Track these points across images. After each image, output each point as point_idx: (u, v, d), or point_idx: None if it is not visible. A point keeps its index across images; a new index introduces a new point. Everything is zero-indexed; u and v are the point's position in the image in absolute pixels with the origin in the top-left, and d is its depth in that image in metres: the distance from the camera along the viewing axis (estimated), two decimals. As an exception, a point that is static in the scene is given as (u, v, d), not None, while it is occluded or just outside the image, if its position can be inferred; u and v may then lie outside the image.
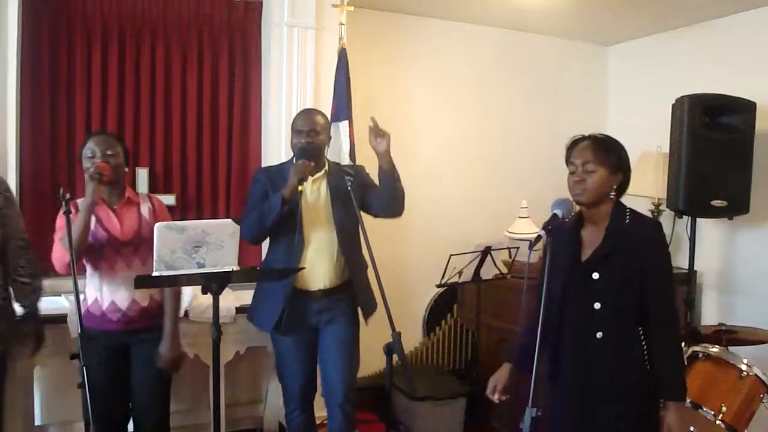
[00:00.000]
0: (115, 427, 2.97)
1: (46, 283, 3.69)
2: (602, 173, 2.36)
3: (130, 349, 2.97)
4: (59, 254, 2.78)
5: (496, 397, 2.57)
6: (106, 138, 2.97)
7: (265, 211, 3.09)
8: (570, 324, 2.43)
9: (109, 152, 2.89)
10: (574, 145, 2.45)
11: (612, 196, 2.41)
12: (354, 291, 3.23)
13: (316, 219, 3.18)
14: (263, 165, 4.21)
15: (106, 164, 2.82)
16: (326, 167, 3.27)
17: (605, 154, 2.38)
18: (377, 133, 3.09)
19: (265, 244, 3.39)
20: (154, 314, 2.99)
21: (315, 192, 3.22)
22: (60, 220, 2.81)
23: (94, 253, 2.89)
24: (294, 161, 3.16)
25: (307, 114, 3.29)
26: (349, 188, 3.07)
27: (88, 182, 2.75)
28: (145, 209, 3.01)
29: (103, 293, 2.92)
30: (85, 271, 2.97)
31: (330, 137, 3.36)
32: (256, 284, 3.37)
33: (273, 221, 3.06)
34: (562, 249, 2.42)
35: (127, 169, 3.03)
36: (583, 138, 2.44)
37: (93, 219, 2.85)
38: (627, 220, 2.39)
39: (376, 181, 3.26)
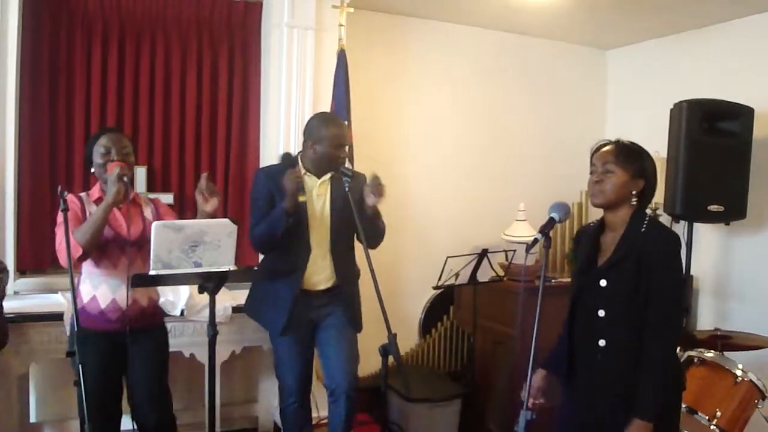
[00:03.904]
0: (110, 425, 2.92)
1: (44, 280, 3.74)
2: (621, 176, 2.34)
3: (126, 349, 2.90)
4: (75, 250, 2.74)
5: (530, 402, 2.43)
6: (120, 136, 2.95)
7: (271, 225, 3.10)
8: (577, 330, 2.44)
9: (125, 150, 2.88)
10: (599, 149, 2.44)
11: (633, 203, 2.37)
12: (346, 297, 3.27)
13: (321, 223, 3.19)
14: (261, 165, 4.21)
15: (122, 163, 2.80)
16: (332, 172, 3.26)
17: (626, 158, 2.36)
18: (378, 190, 3.06)
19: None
20: (151, 314, 2.99)
21: (321, 196, 3.23)
22: (69, 215, 2.78)
23: (98, 250, 2.83)
24: (300, 161, 3.19)
25: (341, 125, 3.22)
26: (346, 189, 3.07)
27: (112, 181, 2.71)
28: (148, 211, 3.00)
29: (103, 291, 2.86)
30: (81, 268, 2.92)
31: None
32: (258, 285, 3.38)
33: (282, 233, 3.07)
34: (583, 253, 2.43)
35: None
36: (609, 143, 2.44)
37: None
38: (643, 229, 2.34)
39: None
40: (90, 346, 2.65)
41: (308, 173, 3.21)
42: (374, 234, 3.21)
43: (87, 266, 2.88)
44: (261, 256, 3.55)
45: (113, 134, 2.94)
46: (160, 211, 3.03)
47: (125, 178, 2.74)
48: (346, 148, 3.21)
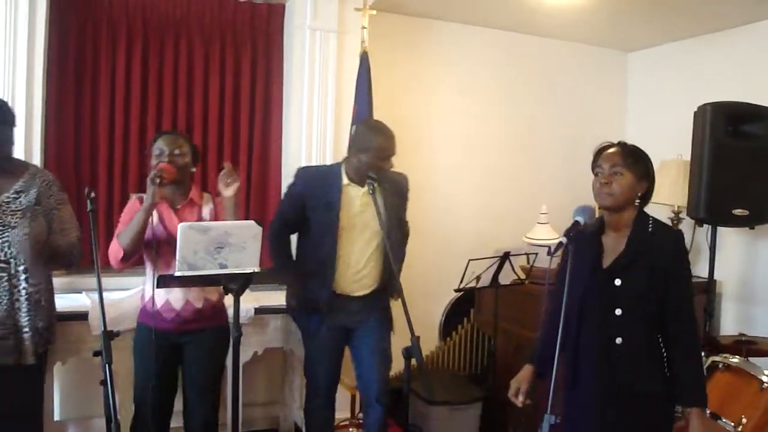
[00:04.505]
0: (159, 421, 2.99)
1: (68, 279, 3.77)
2: (628, 177, 2.37)
3: (183, 349, 2.99)
4: (114, 250, 2.84)
5: (519, 400, 2.56)
6: (174, 137, 3.00)
7: (276, 266, 3.28)
8: (589, 330, 2.42)
9: (176, 152, 2.93)
10: (602, 150, 2.45)
11: (636, 204, 2.42)
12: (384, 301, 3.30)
13: (362, 232, 3.20)
14: (283, 167, 4.25)
15: (169, 165, 2.86)
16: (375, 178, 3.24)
17: (633, 160, 2.39)
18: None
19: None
20: (208, 316, 2.99)
21: (364, 206, 3.19)
22: (124, 215, 2.94)
23: (153, 250, 2.92)
24: (343, 167, 3.20)
25: (391, 137, 3.17)
26: (369, 192, 3.06)
27: (148, 184, 2.77)
28: (206, 211, 3.02)
29: (159, 292, 2.91)
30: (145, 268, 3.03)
31: None
32: (295, 286, 3.40)
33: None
34: (582, 255, 2.42)
35: (194, 169, 3.05)
36: (612, 144, 2.46)
37: (156, 217, 2.89)
38: (650, 228, 2.40)
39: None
40: (147, 345, 2.83)
41: (351, 183, 3.18)
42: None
43: (148, 266, 2.98)
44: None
45: (168, 136, 3.01)
46: (217, 210, 3.03)
47: (158, 180, 2.76)
48: (392, 159, 3.16)
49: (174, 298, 2.94)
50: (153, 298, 2.88)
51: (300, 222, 3.23)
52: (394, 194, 3.23)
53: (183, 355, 3.01)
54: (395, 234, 3.21)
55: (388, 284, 3.27)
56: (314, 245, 3.19)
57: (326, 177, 3.21)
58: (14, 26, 3.53)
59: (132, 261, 2.89)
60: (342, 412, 3.93)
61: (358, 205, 3.18)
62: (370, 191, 3.05)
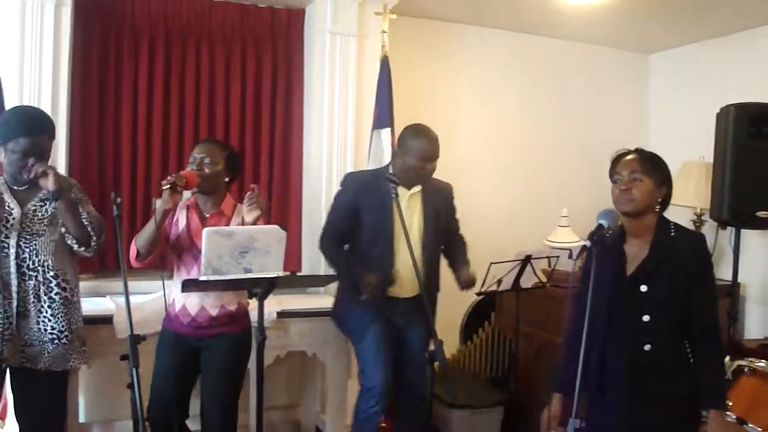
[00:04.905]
0: (171, 422, 3.01)
1: (92, 284, 3.81)
2: (648, 183, 2.37)
3: (200, 354, 3.01)
4: (131, 249, 2.90)
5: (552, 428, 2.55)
6: (207, 146, 3.03)
7: (333, 266, 3.34)
8: (616, 337, 2.41)
9: (206, 160, 2.95)
10: (619, 158, 2.46)
11: (656, 210, 2.42)
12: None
13: (409, 234, 3.18)
14: (304, 172, 4.26)
15: (190, 173, 2.88)
16: (421, 184, 3.32)
17: (652, 167, 2.40)
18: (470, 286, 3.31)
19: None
20: (223, 323, 3.00)
21: (411, 208, 3.28)
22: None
23: (176, 255, 3.00)
24: (390, 170, 3.28)
25: (433, 140, 3.26)
26: (393, 196, 3.06)
27: (162, 187, 2.80)
28: (234, 223, 3.00)
29: (178, 297, 2.98)
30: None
31: None
32: (343, 293, 3.45)
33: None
34: (605, 263, 2.41)
35: (228, 179, 3.06)
36: (629, 151, 2.46)
37: (184, 223, 2.95)
38: (672, 233, 2.40)
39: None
40: (166, 346, 2.90)
41: (398, 184, 3.20)
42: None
43: (175, 272, 3.04)
44: (302, 263, 3.59)
45: (203, 144, 3.06)
46: (245, 221, 3.00)
47: (175, 186, 2.77)
48: (434, 162, 3.26)
49: (190, 303, 2.97)
50: (164, 301, 2.96)
51: (352, 231, 3.31)
52: (438, 199, 3.33)
53: (200, 360, 3.03)
54: (433, 237, 3.30)
55: (433, 290, 3.35)
56: (369, 246, 3.25)
57: (375, 180, 3.28)
58: (40, 35, 3.57)
59: (148, 261, 2.92)
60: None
61: (405, 207, 3.23)
62: (394, 194, 3.06)
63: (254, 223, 2.85)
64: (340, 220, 3.32)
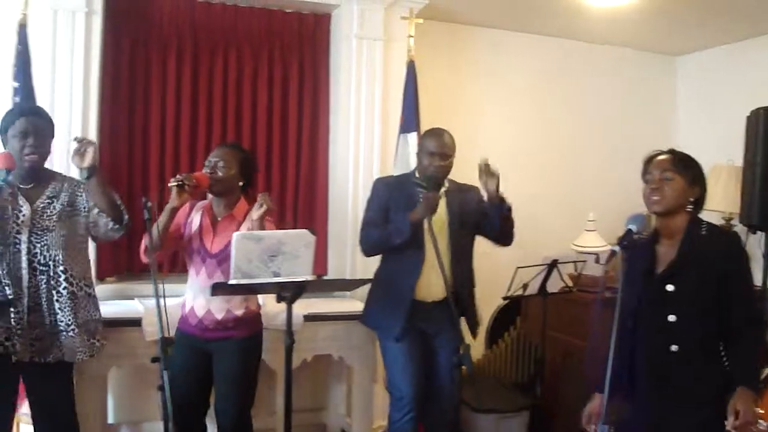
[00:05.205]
0: (188, 423, 3.03)
1: (121, 286, 3.85)
2: (679, 182, 2.35)
3: (212, 357, 3.05)
4: (142, 246, 2.95)
5: (593, 429, 2.49)
6: (223, 150, 3.08)
7: (392, 233, 3.21)
8: (644, 338, 2.40)
9: (220, 164, 2.99)
10: (652, 158, 2.45)
11: (688, 209, 2.39)
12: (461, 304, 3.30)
13: (436, 236, 3.18)
14: (330, 176, 4.28)
15: (201, 175, 2.94)
16: (445, 186, 3.34)
17: (684, 166, 2.38)
18: (488, 173, 3.17)
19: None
20: (229, 327, 3.02)
21: (436, 210, 3.26)
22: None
23: (186, 256, 3.07)
24: (416, 174, 3.32)
25: (440, 136, 3.30)
26: (420, 198, 3.10)
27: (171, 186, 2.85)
28: (245, 227, 3.00)
29: (188, 299, 3.06)
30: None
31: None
32: (374, 293, 3.45)
33: (401, 244, 3.18)
34: (637, 265, 2.40)
35: (241, 183, 3.08)
36: (662, 152, 2.45)
37: (196, 225, 3.01)
38: (703, 232, 2.37)
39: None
40: (179, 347, 2.90)
41: (424, 188, 3.24)
42: (502, 230, 3.36)
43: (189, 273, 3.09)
44: (328, 266, 3.59)
45: (219, 148, 3.12)
46: (252, 218, 3.03)
47: (183, 186, 2.82)
48: (448, 159, 3.28)
49: (198, 305, 3.01)
50: (177, 303, 3.04)
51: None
52: (463, 201, 3.35)
53: (212, 361, 3.07)
54: (459, 237, 3.32)
55: (462, 292, 3.33)
56: (400, 250, 3.24)
57: (404, 183, 3.35)
58: (71, 44, 3.64)
59: (157, 257, 2.89)
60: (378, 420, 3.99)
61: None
62: (420, 198, 3.10)
63: (261, 220, 2.88)
64: (378, 217, 3.32)
